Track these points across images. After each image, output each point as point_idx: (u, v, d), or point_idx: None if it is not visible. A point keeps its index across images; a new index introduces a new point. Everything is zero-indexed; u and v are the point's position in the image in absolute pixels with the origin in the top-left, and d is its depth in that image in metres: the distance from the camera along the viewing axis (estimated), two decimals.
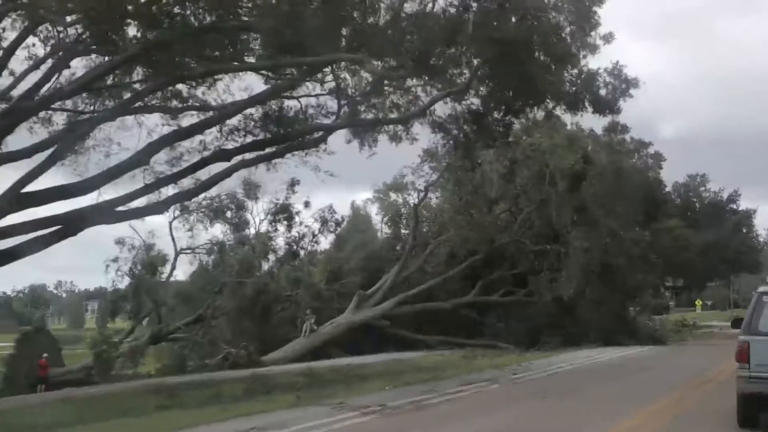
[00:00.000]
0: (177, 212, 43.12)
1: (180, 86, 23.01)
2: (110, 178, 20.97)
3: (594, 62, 26.25)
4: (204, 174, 23.79)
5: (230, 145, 23.35)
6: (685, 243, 57.46)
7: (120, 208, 21.58)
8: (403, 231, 45.96)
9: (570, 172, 39.58)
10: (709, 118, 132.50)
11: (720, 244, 65.77)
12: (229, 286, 40.50)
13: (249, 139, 23.50)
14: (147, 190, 21.79)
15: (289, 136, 23.91)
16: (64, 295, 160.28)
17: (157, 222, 56.40)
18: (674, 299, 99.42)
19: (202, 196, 42.96)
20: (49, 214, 20.37)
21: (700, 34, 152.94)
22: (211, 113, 22.35)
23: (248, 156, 24.13)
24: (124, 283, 40.43)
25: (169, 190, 24.37)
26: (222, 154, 22.46)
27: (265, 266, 43.16)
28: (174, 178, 22.58)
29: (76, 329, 38.74)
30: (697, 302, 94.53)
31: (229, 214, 44.46)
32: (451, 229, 42.49)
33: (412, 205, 43.46)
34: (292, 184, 43.00)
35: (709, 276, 78.70)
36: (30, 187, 19.61)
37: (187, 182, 24.98)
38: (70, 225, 20.45)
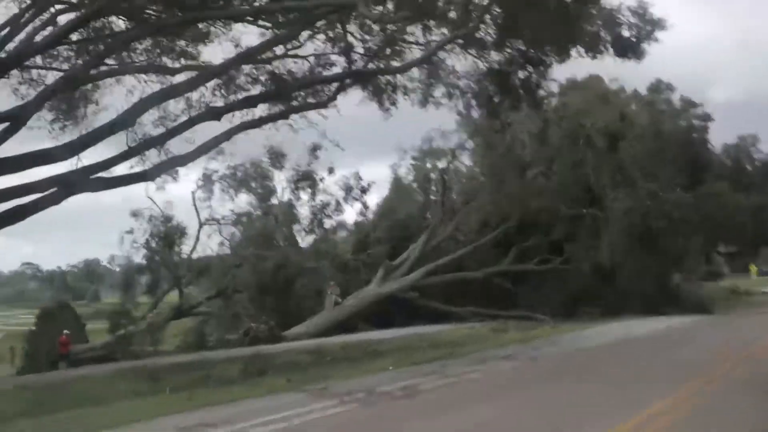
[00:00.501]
0: (200, 182, 41.84)
1: (175, 43, 21.42)
2: (92, 142, 19.24)
3: None
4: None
5: (219, 102, 21.50)
6: (734, 207, 54.51)
7: (103, 175, 19.83)
8: (432, 198, 43.65)
9: (606, 131, 37.26)
10: (761, 80, 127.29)
11: None
12: (249, 259, 38.93)
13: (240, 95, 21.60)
14: (131, 153, 20.00)
15: (284, 91, 21.95)
16: (117, 269, 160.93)
17: (178, 193, 55.11)
18: (728, 265, 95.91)
19: (225, 164, 42.22)
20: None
21: None
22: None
23: (249, 118, 22.31)
24: (139, 256, 38.94)
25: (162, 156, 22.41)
26: (211, 113, 20.59)
27: (288, 237, 41.23)
28: (160, 140, 20.73)
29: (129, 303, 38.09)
30: (751, 267, 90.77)
31: (253, 183, 42.99)
32: (483, 195, 40.24)
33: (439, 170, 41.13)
34: (314, 149, 41.35)
35: (763, 240, 75.20)
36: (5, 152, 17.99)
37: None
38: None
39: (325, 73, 23.04)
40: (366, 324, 36.70)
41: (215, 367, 19.45)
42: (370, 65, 23.30)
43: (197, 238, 40.93)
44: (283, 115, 22.82)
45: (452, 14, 21.04)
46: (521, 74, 25.71)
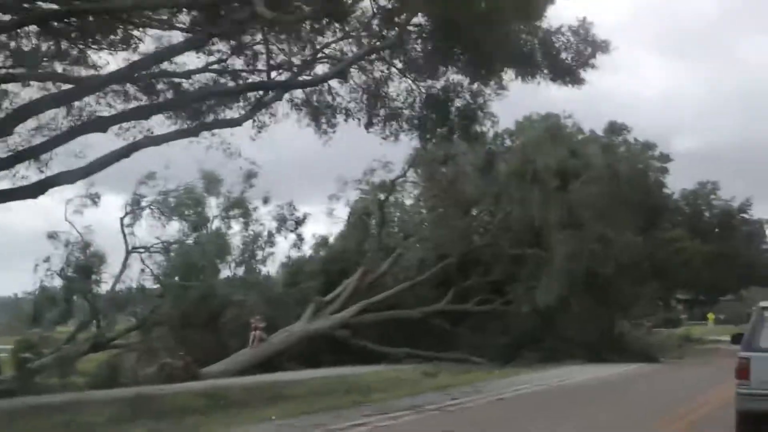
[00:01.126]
0: (128, 208, 39.58)
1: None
2: None
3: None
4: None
5: (105, 112, 19.52)
6: (691, 253, 53.20)
7: None
8: (373, 232, 41.65)
9: (557, 168, 35.70)
10: (725, 134, 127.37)
11: (729, 255, 61.02)
12: (170, 289, 36.70)
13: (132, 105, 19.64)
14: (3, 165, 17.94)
15: (182, 102, 20.00)
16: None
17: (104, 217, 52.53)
18: (687, 312, 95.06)
19: (157, 190, 40.08)
20: None
21: (718, 51, 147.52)
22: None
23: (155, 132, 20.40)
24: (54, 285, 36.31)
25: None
26: (96, 123, 18.57)
27: (214, 268, 39.01)
28: (37, 151, 18.66)
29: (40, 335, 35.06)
30: (709, 316, 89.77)
31: (186, 210, 40.77)
32: (423, 230, 38.44)
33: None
34: (249, 176, 39.35)
35: (719, 289, 74.05)
36: None
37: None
38: None
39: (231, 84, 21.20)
40: (293, 363, 34.67)
41: (84, 411, 17.27)
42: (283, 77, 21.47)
43: (123, 267, 38.66)
44: (192, 132, 20.84)
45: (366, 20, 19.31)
46: (458, 103, 24.20)
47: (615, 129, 57.22)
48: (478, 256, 38.28)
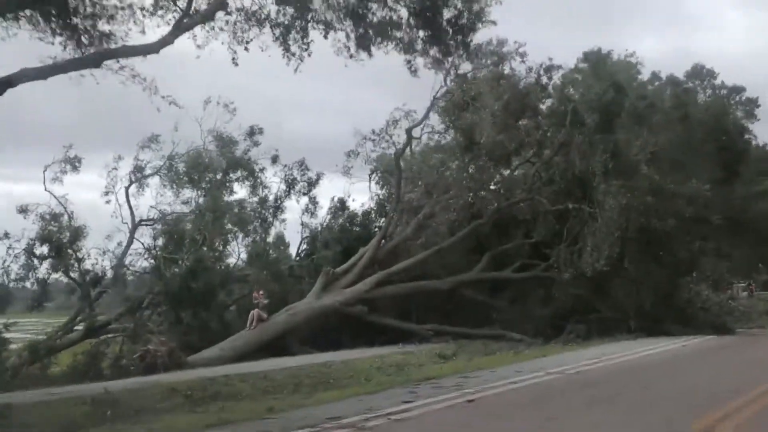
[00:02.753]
0: (133, 177, 36.01)
1: None
2: None
3: None
4: None
5: None
6: None
7: None
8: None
9: (599, 104, 30.87)
10: None
11: None
12: (162, 264, 33.00)
13: None
14: None
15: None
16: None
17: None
18: None
19: (160, 155, 36.45)
20: None
21: None
22: None
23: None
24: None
25: None
26: None
27: (218, 239, 35.19)
28: None
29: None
30: None
31: (197, 176, 37.06)
32: (452, 187, 33.81)
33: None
34: (251, 133, 35.51)
35: None
36: None
37: None
38: None
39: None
40: (305, 345, 30.73)
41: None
42: None
43: (130, 241, 35.07)
44: (90, 62, 16.70)
45: None
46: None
47: (698, 73, 52.34)
48: (515, 214, 33.64)
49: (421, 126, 34.11)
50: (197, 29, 18.43)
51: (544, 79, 33.00)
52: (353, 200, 37.89)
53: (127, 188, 35.71)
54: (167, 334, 31.97)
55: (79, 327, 32.98)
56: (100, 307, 33.56)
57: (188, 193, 36.80)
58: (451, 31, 20.18)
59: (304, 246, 37.69)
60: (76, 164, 33.52)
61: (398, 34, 20.50)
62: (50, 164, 33.31)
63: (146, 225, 36.09)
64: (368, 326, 32.02)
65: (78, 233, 33.10)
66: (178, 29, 17.53)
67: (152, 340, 29.39)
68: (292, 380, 19.09)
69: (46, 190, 33.45)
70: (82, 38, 16.57)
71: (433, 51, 20.94)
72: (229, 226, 36.10)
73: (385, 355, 26.00)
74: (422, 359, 24.77)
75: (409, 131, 33.35)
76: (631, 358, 22.82)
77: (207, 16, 18.49)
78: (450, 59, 22.17)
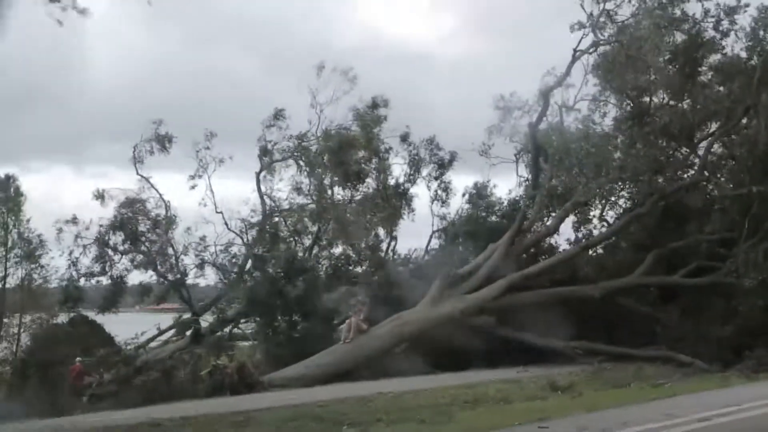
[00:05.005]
0: (263, 160, 32.17)
1: None
2: None
3: None
4: None
5: None
6: None
7: None
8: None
9: None
10: None
11: None
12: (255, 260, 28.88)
13: None
14: None
15: None
16: None
17: None
18: None
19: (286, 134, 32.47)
20: None
21: None
22: None
23: None
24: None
25: None
26: None
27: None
28: None
29: None
30: None
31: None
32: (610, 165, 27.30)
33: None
34: (374, 105, 31.09)
35: None
36: None
37: None
38: None
39: None
40: (416, 364, 25.62)
41: None
42: None
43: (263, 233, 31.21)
44: None
45: None
46: None
47: None
48: (687, 203, 27.02)
49: (572, 91, 27.82)
50: None
51: (725, 24, 25.95)
52: (494, 186, 31.99)
53: (258, 173, 31.84)
54: (256, 347, 28.39)
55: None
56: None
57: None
58: None
59: (436, 241, 32.26)
60: (167, 144, 29.82)
61: None
62: (138, 143, 29.87)
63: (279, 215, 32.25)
64: (501, 343, 26.54)
65: (170, 223, 29.68)
66: None
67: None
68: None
69: (137, 173, 30.16)
70: None
71: None
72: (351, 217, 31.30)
73: (480, 383, 20.62)
74: (530, 390, 19.37)
75: (546, 93, 27.10)
76: None
77: None
78: None
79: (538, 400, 17.97)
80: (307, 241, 31.15)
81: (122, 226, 28.51)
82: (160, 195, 30.00)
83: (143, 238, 29.07)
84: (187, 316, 30.01)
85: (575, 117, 28.68)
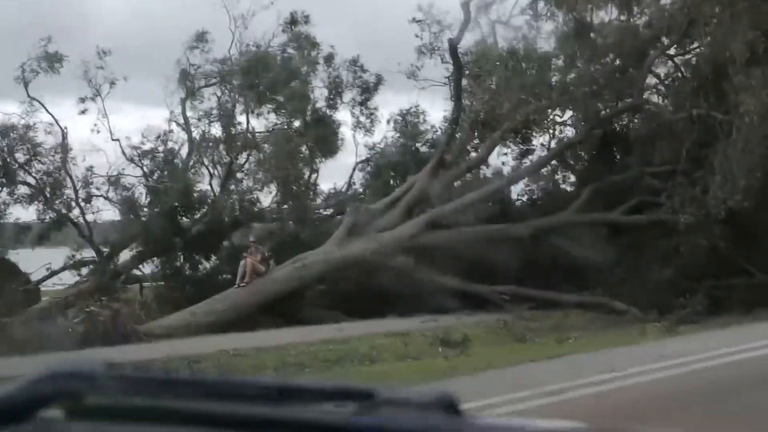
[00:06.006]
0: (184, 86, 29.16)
1: None
2: None
3: None
4: None
5: None
6: None
7: None
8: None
9: None
10: None
11: None
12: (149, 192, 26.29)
13: None
14: None
15: None
16: None
17: None
18: None
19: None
20: None
21: None
22: None
23: None
24: None
25: None
26: None
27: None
28: None
29: None
30: None
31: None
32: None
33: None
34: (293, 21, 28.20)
35: None
36: None
37: None
38: None
39: None
40: (338, 312, 23.34)
41: None
42: None
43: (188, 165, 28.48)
44: None
45: None
46: None
47: None
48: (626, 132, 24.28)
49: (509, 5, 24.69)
50: None
51: None
52: (423, 112, 28.87)
53: (183, 99, 28.78)
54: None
55: None
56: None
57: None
58: None
59: (359, 174, 29.38)
60: (55, 62, 26.83)
61: None
62: (24, 62, 26.86)
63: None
64: (430, 289, 23.79)
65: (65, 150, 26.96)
66: None
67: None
68: None
69: (28, 96, 27.14)
70: None
71: None
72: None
73: (362, 336, 18.24)
74: (415, 346, 17.18)
75: (466, 4, 24.00)
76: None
77: None
78: None
79: (411, 359, 15.75)
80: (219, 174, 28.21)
81: None
82: (55, 120, 27.03)
83: (28, 169, 26.23)
84: (80, 255, 27.32)
85: (515, 36, 25.84)
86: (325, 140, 27.98)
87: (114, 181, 26.69)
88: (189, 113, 28.47)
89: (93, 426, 1.41)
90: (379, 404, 1.34)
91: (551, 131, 25.42)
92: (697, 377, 12.12)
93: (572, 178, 26.59)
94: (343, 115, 28.92)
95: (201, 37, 28.74)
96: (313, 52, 28.73)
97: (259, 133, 28.63)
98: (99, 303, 21.91)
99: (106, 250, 26.99)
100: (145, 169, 27.14)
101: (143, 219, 25.82)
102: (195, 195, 26.01)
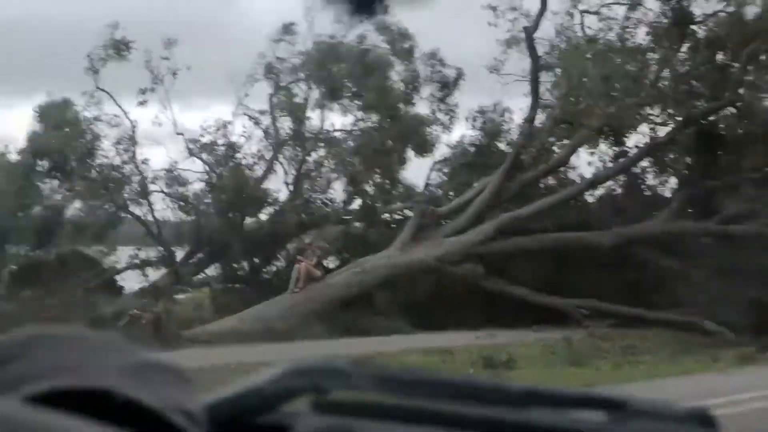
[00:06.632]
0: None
1: None
2: None
3: None
4: None
5: None
6: None
7: None
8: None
9: None
10: None
11: None
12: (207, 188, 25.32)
13: None
14: None
15: None
16: None
17: None
18: None
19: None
20: None
21: None
22: None
23: None
24: None
25: None
26: None
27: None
28: None
29: None
30: None
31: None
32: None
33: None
34: None
35: None
36: None
37: None
38: None
39: None
40: (402, 322, 21.74)
41: None
42: None
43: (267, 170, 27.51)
44: None
45: None
46: None
47: None
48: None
49: None
50: None
51: None
52: (507, 110, 26.84)
53: (271, 95, 27.71)
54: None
55: None
56: None
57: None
58: None
59: (435, 176, 27.53)
60: (123, 49, 25.92)
61: None
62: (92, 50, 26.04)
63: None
64: (501, 299, 22.04)
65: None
66: None
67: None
68: None
69: (97, 87, 26.35)
70: None
71: None
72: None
73: (403, 352, 16.64)
74: (455, 365, 15.62)
75: None
76: None
77: None
78: None
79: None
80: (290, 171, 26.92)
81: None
82: (124, 112, 26.15)
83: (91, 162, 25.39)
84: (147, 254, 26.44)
85: (606, 25, 23.58)
86: (416, 138, 26.51)
87: (176, 177, 25.78)
88: (261, 107, 27.38)
89: (338, 420, 1.36)
90: (632, 415, 1.31)
91: (645, 130, 23.13)
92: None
93: (664, 183, 24.36)
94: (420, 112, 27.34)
95: (287, 29, 27.60)
96: (404, 44, 27.22)
97: (338, 131, 27.42)
98: (142, 307, 21.18)
99: (175, 249, 26.20)
100: (211, 168, 26.12)
101: (203, 219, 24.81)
102: (260, 194, 24.80)
